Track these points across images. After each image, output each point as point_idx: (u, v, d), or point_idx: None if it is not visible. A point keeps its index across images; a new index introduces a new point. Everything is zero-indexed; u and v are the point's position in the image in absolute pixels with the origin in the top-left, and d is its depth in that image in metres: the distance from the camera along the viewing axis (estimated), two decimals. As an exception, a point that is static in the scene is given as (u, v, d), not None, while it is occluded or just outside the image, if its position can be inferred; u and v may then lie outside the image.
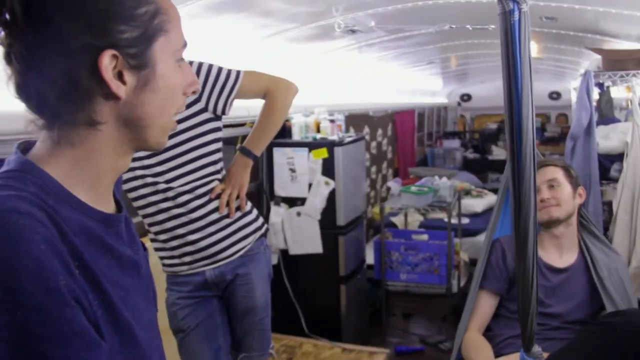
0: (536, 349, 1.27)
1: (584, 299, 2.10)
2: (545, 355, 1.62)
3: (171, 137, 1.75)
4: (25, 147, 0.81)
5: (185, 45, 0.86)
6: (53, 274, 0.64)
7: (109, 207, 0.85)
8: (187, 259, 1.90)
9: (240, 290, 1.95)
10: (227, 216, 1.90)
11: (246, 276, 1.95)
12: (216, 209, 1.88)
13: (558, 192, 2.13)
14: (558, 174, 2.17)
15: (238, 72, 1.87)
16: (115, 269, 0.80)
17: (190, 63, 1.81)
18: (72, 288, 0.66)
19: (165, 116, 0.84)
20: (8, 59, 0.74)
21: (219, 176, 1.91)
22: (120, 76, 0.76)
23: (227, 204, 1.89)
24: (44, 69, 0.73)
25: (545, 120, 9.74)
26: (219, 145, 1.91)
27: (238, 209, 1.92)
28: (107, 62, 0.74)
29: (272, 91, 1.94)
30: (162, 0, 0.82)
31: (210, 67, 1.83)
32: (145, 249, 0.96)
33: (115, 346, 0.74)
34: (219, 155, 1.91)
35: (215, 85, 1.82)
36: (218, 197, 1.88)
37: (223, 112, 1.87)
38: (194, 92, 0.90)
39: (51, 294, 0.63)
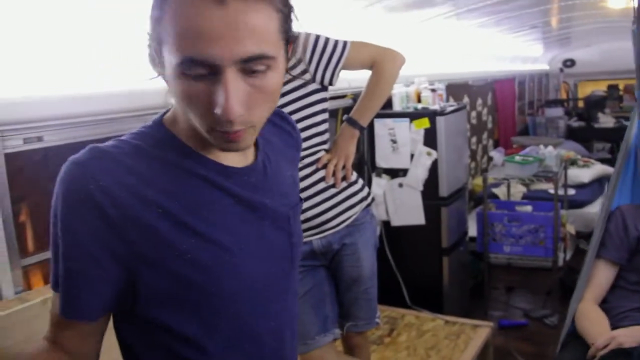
0: None
1: None
2: None
3: (280, 107, 1.80)
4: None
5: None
6: (78, 220, 0.80)
7: (240, 160, 0.93)
8: None
9: (348, 260, 1.97)
10: (333, 186, 1.91)
11: (353, 246, 1.97)
12: (322, 179, 1.90)
13: None
14: None
15: (345, 43, 1.87)
16: (225, 209, 0.89)
17: (297, 34, 1.82)
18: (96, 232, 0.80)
19: None
20: None
21: (326, 146, 1.94)
22: None
23: (333, 174, 1.91)
24: None
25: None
26: (326, 116, 1.92)
27: (344, 179, 1.94)
28: None
29: (379, 62, 1.94)
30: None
31: (317, 37, 1.83)
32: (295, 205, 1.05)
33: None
34: (325, 125, 1.93)
35: (323, 56, 1.83)
36: (324, 167, 1.90)
37: (330, 83, 1.87)
38: None
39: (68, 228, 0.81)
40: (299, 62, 1.81)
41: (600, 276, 2.10)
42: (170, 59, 0.77)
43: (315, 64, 1.83)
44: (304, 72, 1.82)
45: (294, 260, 1.03)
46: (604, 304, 2.08)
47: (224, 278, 0.87)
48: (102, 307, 0.86)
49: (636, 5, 1.99)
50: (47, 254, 1.88)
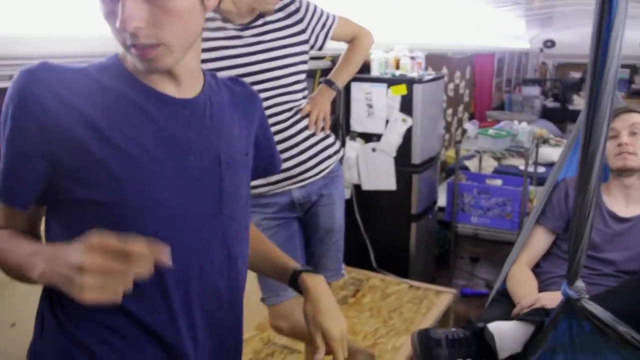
0: (579, 284, 1.25)
1: None
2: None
3: (275, 59, 1.88)
4: None
5: None
6: (18, 121, 0.91)
7: (180, 93, 1.01)
8: (273, 178, 1.96)
9: (324, 210, 2.07)
10: (313, 135, 2.00)
11: (329, 197, 2.07)
12: (302, 130, 1.97)
13: (638, 140, 2.04)
14: None
15: (334, 16, 2.09)
16: (147, 131, 0.96)
17: (293, 0, 1.99)
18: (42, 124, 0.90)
19: None
20: None
21: (305, 102, 2.02)
22: None
23: (315, 122, 2.01)
24: None
25: (634, 71, 9.22)
26: (305, 76, 2.04)
27: (322, 129, 2.04)
28: None
29: (360, 37, 2.21)
30: None
31: (315, 6, 2.02)
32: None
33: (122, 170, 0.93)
34: (305, 83, 2.03)
35: (319, 23, 2.02)
36: (305, 117, 1.99)
37: (320, 48, 2.05)
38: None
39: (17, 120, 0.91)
40: (300, 21, 1.97)
41: (536, 242, 2.17)
42: None
43: (312, 28, 2.00)
44: (303, 31, 1.97)
45: (222, 205, 1.05)
46: (536, 268, 2.16)
47: (129, 190, 0.93)
48: (34, 197, 0.96)
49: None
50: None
